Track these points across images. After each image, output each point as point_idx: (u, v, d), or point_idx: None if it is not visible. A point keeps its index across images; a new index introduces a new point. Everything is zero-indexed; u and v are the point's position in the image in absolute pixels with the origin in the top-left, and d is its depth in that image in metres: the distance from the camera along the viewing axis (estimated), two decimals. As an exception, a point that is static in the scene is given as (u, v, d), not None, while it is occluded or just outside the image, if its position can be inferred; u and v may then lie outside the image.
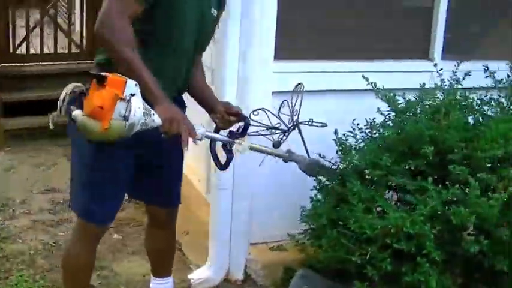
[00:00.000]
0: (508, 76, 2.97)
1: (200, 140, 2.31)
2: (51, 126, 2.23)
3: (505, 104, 2.86)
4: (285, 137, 2.70)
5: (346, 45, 3.51)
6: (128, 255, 3.64)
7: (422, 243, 2.31)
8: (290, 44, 3.32)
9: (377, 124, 2.84)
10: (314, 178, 2.84)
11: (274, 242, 3.43)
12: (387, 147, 2.58)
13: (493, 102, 2.85)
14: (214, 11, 2.49)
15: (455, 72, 2.93)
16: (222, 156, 2.51)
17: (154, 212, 2.78)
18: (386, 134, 2.56)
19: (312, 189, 2.89)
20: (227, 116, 2.54)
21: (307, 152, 2.68)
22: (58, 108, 2.40)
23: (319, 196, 2.82)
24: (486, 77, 2.97)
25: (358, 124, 2.88)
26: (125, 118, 2.05)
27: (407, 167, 2.52)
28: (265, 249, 3.40)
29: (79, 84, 2.35)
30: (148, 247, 2.94)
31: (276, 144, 2.69)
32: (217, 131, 2.55)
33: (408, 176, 2.52)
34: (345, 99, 3.40)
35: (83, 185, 2.48)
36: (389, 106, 2.79)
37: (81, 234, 2.57)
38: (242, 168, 3.15)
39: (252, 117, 2.64)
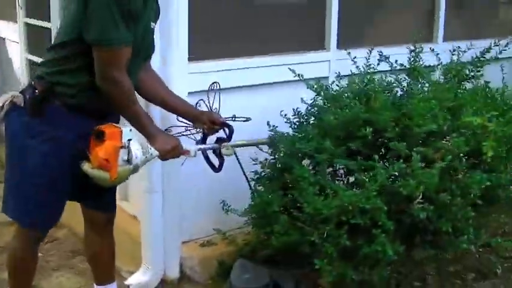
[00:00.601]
0: (409, 59, 3.24)
1: (194, 156, 2.71)
2: None
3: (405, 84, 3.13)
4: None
5: (254, 42, 3.67)
6: (53, 271, 3.57)
7: (375, 216, 2.51)
8: (202, 45, 3.40)
9: (303, 113, 3.02)
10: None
11: (202, 238, 3.52)
12: (325, 132, 2.75)
13: (395, 84, 3.12)
14: (153, 25, 2.62)
15: (354, 59, 3.15)
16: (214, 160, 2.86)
17: (93, 217, 2.81)
18: (325, 120, 2.72)
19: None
20: (212, 125, 2.80)
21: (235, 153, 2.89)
22: None
23: (259, 187, 2.94)
24: (381, 61, 3.18)
25: (285, 115, 3.04)
26: (128, 162, 2.38)
27: (345, 149, 2.71)
28: (196, 246, 3.47)
29: (17, 93, 2.48)
30: (89, 254, 2.96)
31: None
32: (204, 135, 2.85)
33: (347, 157, 2.71)
34: (259, 93, 3.55)
35: (23, 191, 2.50)
36: (317, 95, 2.97)
37: (23, 238, 2.62)
38: (169, 168, 3.21)
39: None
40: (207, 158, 2.85)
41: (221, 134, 2.90)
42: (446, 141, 2.58)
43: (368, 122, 2.69)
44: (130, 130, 2.42)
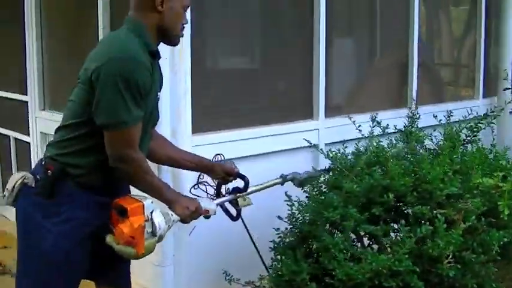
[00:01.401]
0: (406, 124, 3.43)
1: (214, 214, 2.66)
2: None
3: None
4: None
5: (251, 113, 3.81)
6: None
7: (407, 278, 2.63)
8: (204, 118, 3.52)
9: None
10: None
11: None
12: (347, 199, 2.87)
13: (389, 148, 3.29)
14: (159, 94, 2.62)
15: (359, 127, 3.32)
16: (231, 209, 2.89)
17: None
18: (347, 187, 2.85)
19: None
20: (227, 177, 2.85)
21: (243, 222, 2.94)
22: (5, 196, 2.50)
23: (278, 257, 3.02)
24: (374, 126, 3.36)
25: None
26: (153, 234, 2.39)
27: (368, 215, 2.84)
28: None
29: (28, 174, 2.47)
30: None
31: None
32: (218, 185, 2.89)
33: (369, 223, 2.84)
34: (258, 162, 3.67)
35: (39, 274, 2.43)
36: (332, 163, 3.11)
37: None
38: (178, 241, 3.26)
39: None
40: (225, 211, 2.87)
41: (236, 182, 2.93)
42: (464, 202, 2.74)
43: (387, 188, 2.83)
44: (152, 202, 2.42)
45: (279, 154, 3.79)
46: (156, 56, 2.48)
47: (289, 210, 3.10)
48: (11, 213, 3.57)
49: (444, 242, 2.63)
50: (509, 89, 4.99)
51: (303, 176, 3.12)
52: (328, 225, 2.94)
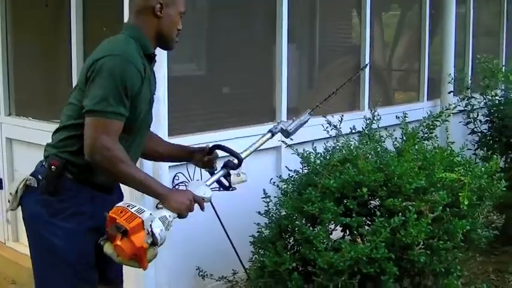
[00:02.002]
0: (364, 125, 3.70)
1: (210, 200, 2.62)
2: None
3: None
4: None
5: (220, 117, 4.01)
6: None
7: (383, 264, 2.89)
8: (179, 121, 3.69)
9: (291, 177, 3.38)
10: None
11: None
12: (323, 194, 3.11)
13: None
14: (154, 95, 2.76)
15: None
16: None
17: None
18: (325, 183, 3.08)
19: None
20: (205, 159, 2.86)
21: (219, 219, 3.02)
22: (10, 200, 2.58)
23: (260, 250, 3.23)
24: (331, 129, 3.63)
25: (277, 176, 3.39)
26: (154, 243, 2.34)
27: (343, 209, 3.08)
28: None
29: (29, 176, 2.56)
30: None
31: None
32: (210, 174, 2.79)
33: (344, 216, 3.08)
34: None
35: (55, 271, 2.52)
36: (303, 162, 3.34)
37: None
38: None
39: None
40: (220, 184, 2.74)
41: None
42: (430, 195, 3.03)
43: (360, 184, 3.08)
44: (151, 214, 2.37)
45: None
46: (152, 59, 2.65)
47: (266, 206, 3.32)
48: None
49: (416, 231, 2.89)
50: (452, 92, 5.35)
51: (291, 127, 2.99)
52: (304, 219, 3.16)
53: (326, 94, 4.80)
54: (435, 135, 3.63)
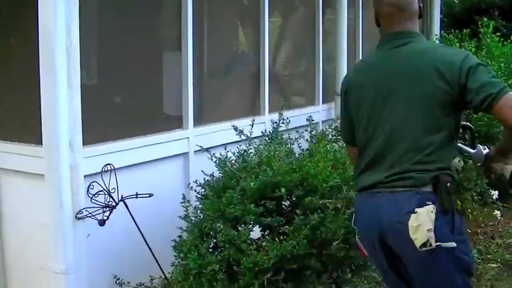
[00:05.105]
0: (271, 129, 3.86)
1: None
2: None
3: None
4: (109, 214, 3.23)
5: (131, 125, 4.01)
6: None
7: (305, 260, 3.03)
8: (93, 130, 3.65)
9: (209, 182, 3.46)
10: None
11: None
12: (242, 196, 3.21)
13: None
14: None
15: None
16: None
17: None
18: (245, 186, 3.19)
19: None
20: None
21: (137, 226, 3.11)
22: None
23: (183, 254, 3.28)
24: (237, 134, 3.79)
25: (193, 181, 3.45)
26: None
27: (263, 210, 3.20)
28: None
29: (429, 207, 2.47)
30: None
31: (101, 223, 3.24)
32: None
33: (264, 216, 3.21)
34: (141, 170, 3.87)
35: None
36: (219, 167, 3.43)
37: None
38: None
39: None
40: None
41: None
42: (345, 192, 3.21)
43: (277, 184, 3.22)
44: None
45: (156, 162, 4.00)
46: None
47: (185, 211, 3.38)
48: None
49: (335, 226, 3.06)
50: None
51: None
52: (223, 221, 3.25)
53: (229, 101, 4.96)
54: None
